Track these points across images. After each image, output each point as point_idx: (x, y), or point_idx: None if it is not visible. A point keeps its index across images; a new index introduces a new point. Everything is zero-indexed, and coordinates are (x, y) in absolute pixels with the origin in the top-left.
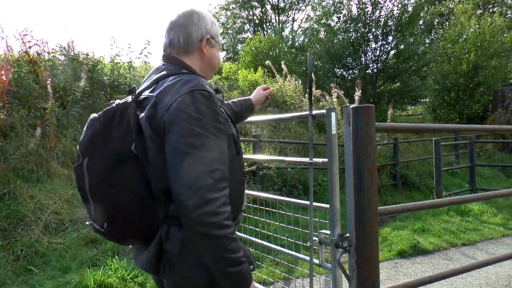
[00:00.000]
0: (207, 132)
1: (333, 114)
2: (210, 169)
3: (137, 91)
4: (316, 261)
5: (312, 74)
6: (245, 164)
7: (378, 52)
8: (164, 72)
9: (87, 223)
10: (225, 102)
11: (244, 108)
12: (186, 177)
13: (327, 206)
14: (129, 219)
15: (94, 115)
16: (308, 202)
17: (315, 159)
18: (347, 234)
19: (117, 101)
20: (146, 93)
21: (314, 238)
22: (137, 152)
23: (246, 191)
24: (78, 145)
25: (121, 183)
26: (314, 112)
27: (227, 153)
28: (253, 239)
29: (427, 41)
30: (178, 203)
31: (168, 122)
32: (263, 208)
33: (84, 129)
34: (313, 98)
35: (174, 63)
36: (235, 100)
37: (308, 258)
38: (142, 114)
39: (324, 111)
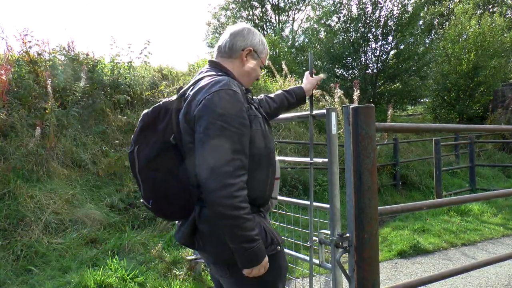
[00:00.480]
0: (230, 126)
1: (333, 114)
2: (230, 158)
3: (182, 91)
4: (316, 261)
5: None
6: None
7: (378, 52)
8: (204, 74)
9: (141, 200)
10: (278, 92)
11: (298, 98)
12: (208, 164)
13: (327, 206)
14: (168, 198)
15: (146, 110)
16: (308, 202)
17: (315, 159)
18: (347, 234)
19: (165, 99)
20: (188, 92)
21: (314, 238)
22: (175, 142)
23: None
24: (132, 135)
25: (163, 167)
26: (314, 112)
27: (251, 146)
28: None
29: (427, 41)
30: (201, 186)
31: (197, 116)
32: None
33: (138, 122)
34: (313, 98)
35: (214, 66)
36: (289, 89)
37: (308, 258)
38: (181, 110)
39: (324, 111)
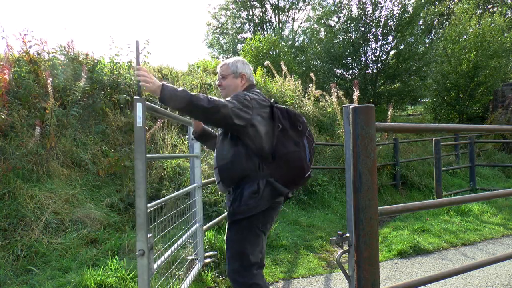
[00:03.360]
0: None
1: (139, 104)
2: None
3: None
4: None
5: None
6: None
7: (378, 52)
8: None
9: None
10: None
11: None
12: None
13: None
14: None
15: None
16: None
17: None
18: (347, 234)
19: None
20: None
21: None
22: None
23: None
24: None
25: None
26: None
27: None
28: None
29: (427, 41)
30: None
31: None
32: None
33: (304, 121)
34: (313, 98)
35: None
36: None
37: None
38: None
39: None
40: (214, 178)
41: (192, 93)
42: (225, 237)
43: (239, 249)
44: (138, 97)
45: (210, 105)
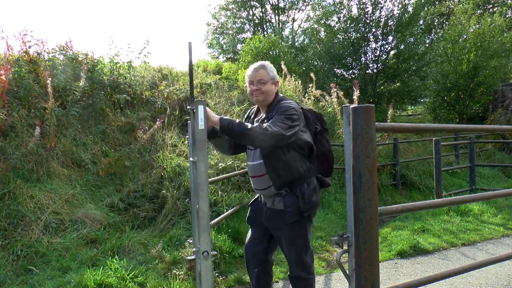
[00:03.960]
0: None
1: (200, 107)
2: None
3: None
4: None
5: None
6: (245, 164)
7: (378, 52)
8: None
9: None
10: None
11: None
12: None
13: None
14: None
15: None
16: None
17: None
18: (347, 234)
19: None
20: None
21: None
22: None
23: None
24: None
25: None
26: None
27: None
28: None
29: (427, 41)
30: None
31: None
32: None
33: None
34: (313, 98)
35: None
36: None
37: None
38: None
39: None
40: (253, 185)
41: (248, 126)
42: (281, 235)
43: (306, 242)
44: (196, 99)
45: (266, 137)
